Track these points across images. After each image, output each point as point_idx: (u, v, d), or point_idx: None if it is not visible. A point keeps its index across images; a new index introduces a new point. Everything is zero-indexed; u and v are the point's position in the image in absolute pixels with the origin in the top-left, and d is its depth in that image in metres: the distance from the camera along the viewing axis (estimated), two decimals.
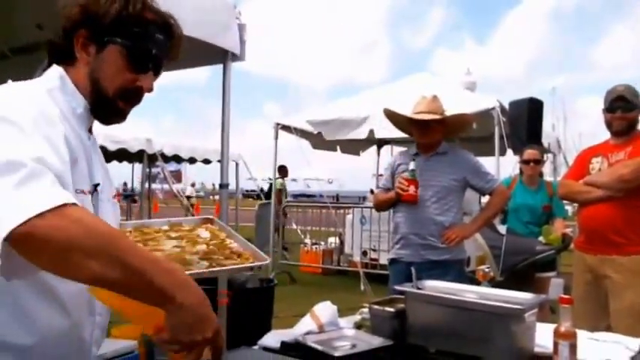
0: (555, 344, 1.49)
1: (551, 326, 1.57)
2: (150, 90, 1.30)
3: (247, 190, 28.55)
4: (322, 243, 10.02)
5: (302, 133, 8.75)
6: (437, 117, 3.34)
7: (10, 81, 4.22)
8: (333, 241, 10.14)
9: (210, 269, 1.32)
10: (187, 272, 1.23)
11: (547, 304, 3.76)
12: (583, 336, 1.60)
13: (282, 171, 11.68)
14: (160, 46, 1.29)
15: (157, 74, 1.32)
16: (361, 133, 7.83)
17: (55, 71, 1.29)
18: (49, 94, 1.22)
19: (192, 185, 23.88)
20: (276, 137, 8.92)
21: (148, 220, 1.62)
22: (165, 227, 1.55)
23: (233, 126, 3.52)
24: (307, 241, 10.20)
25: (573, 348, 1.47)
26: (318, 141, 9.05)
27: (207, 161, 13.92)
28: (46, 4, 1.30)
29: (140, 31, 1.25)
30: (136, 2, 1.25)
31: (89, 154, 1.28)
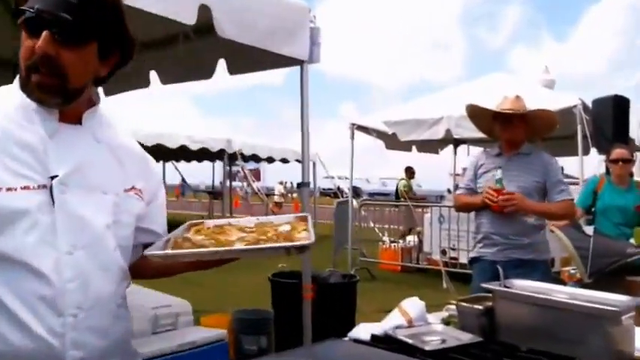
0: None
1: None
2: (41, 49, 1.16)
3: (324, 189, 28.80)
4: (400, 241, 9.97)
5: (377, 134, 8.75)
6: (520, 112, 3.29)
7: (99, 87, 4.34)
8: (411, 239, 10.07)
9: (224, 248, 1.24)
10: (197, 250, 1.23)
11: None
12: None
13: (409, 172, 11.76)
14: (44, 2, 1.16)
15: (59, 33, 1.17)
16: (437, 133, 7.75)
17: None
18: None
19: (281, 183, 24.24)
20: (352, 137, 8.96)
21: (236, 219, 1.55)
22: (251, 225, 1.49)
23: (309, 126, 3.55)
24: (385, 239, 10.17)
25: None
26: (392, 141, 9.02)
27: (285, 160, 14.14)
28: (130, 12, 1.33)
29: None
30: None
31: (41, 146, 1.21)
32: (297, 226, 1.43)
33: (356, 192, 11.53)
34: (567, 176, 8.29)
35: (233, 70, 3.39)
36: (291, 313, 3.71)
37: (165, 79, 3.76)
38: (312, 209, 11.60)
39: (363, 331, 1.80)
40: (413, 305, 1.90)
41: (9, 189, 1.15)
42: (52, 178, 1.20)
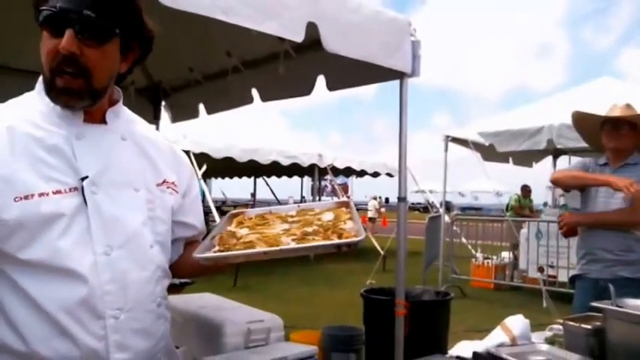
0: None
1: None
2: (67, 50, 1.16)
3: (412, 203, 28.45)
4: (494, 257, 9.67)
5: (474, 145, 8.57)
6: (631, 117, 3.13)
7: (201, 105, 4.60)
8: (506, 255, 9.74)
9: (276, 248, 1.22)
10: (248, 251, 1.21)
11: None
12: None
13: (524, 190, 11.58)
14: (65, 2, 1.16)
15: (82, 31, 1.17)
16: (538, 143, 7.46)
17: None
18: (15, 104, 1.26)
19: (375, 198, 24.15)
20: (446, 149, 8.83)
21: (277, 207, 1.57)
22: (293, 212, 1.49)
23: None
24: (478, 255, 9.90)
25: None
26: (489, 152, 8.80)
27: (376, 174, 14.11)
28: (234, 32, 1.41)
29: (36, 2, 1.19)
30: None
31: (69, 149, 1.23)
32: (340, 215, 1.41)
33: (447, 206, 11.32)
34: None
35: (332, 85, 3.44)
36: (383, 330, 3.67)
37: (266, 96, 3.88)
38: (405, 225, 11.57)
39: (465, 348, 1.77)
40: (517, 323, 1.86)
41: (41, 194, 1.16)
42: (83, 179, 1.21)
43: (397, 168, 3.45)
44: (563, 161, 9.96)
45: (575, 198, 3.50)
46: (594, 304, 1.82)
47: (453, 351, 1.78)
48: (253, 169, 11.65)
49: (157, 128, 5.07)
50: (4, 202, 1.14)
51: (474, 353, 1.69)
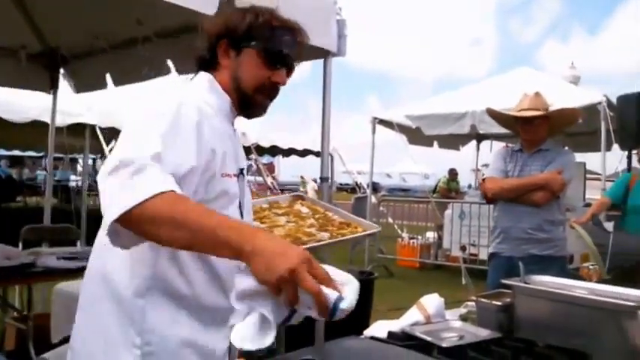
0: None
1: None
2: (284, 83, 1.50)
3: (341, 184, 28.70)
4: (419, 237, 9.97)
5: (400, 128, 8.75)
6: (540, 113, 3.29)
7: (108, 75, 4.49)
8: (430, 235, 10.06)
9: (335, 239, 1.45)
10: (314, 243, 1.41)
11: None
12: None
13: (451, 173, 11.87)
14: (287, 46, 1.49)
15: (289, 70, 1.52)
16: (462, 128, 7.75)
17: (204, 77, 1.51)
18: (197, 97, 1.43)
19: (315, 181, 24.04)
20: (374, 131, 8.97)
21: (252, 200, 1.78)
22: (266, 205, 1.71)
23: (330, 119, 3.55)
24: (404, 235, 10.17)
25: None
26: (415, 136, 9.02)
27: (305, 153, 14.07)
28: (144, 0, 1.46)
29: (269, 34, 1.46)
30: (263, 13, 1.49)
31: (235, 143, 1.52)
32: (316, 208, 1.64)
33: (375, 187, 11.52)
34: (589, 172, 8.25)
35: None
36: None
37: (183, 69, 3.77)
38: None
39: (380, 328, 1.82)
40: (431, 302, 1.93)
41: (228, 175, 1.43)
42: (241, 170, 1.51)
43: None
44: (486, 145, 10.35)
45: None
46: (503, 281, 1.93)
47: (369, 331, 1.83)
48: None
49: (55, 98, 4.81)
50: (214, 175, 1.37)
51: (389, 332, 1.74)
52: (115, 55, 3.88)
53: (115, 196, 1.16)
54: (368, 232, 1.51)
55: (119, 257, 1.31)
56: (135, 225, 1.15)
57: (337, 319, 1.03)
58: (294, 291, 1.02)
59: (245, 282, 1.08)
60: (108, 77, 4.11)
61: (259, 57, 1.47)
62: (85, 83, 4.41)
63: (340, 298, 1.02)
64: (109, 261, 1.36)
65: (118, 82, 4.15)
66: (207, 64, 1.53)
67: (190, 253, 1.33)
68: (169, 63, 3.73)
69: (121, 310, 1.32)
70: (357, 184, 14.07)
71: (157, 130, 1.25)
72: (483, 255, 7.87)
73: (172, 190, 1.16)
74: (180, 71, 3.76)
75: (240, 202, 1.48)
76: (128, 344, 1.31)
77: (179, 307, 1.36)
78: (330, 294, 1.01)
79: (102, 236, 1.25)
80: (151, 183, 1.15)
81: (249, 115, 1.57)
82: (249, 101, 1.50)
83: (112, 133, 8.44)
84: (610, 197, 4.61)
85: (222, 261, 1.26)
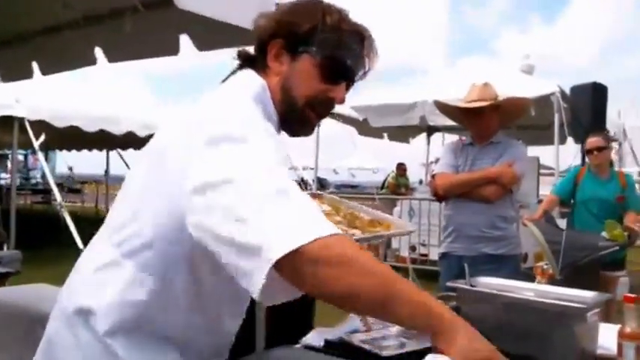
0: (619, 346, 1.48)
1: (616, 327, 1.56)
2: (342, 101, 1.36)
3: None
4: None
5: (347, 120, 8.76)
6: (488, 103, 3.33)
7: (34, 63, 4.37)
8: None
9: (370, 234, 1.46)
10: (355, 237, 1.43)
11: (612, 303, 3.70)
12: None
13: (400, 168, 11.95)
14: (353, 57, 1.33)
15: (349, 85, 1.37)
16: (411, 120, 7.81)
17: (257, 80, 1.34)
18: (255, 104, 1.28)
19: None
20: (319, 124, 8.95)
21: None
22: None
23: None
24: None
25: (639, 350, 1.46)
26: (364, 128, 9.05)
27: None
28: None
29: (335, 41, 1.30)
30: (332, 13, 1.31)
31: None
32: (339, 206, 1.67)
33: (321, 184, 11.55)
34: (543, 167, 8.48)
35: (200, 46, 3.35)
36: (244, 318, 3.68)
37: (113, 56, 3.68)
38: None
39: (318, 336, 1.78)
40: None
41: None
42: None
43: None
44: (438, 138, 10.51)
45: None
46: (449, 283, 1.93)
47: (305, 340, 1.79)
48: (105, 140, 10.94)
49: None
50: None
51: (326, 341, 1.71)
52: (40, 41, 3.76)
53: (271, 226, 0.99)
54: (403, 230, 1.50)
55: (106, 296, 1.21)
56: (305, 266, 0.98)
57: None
58: None
59: None
60: (34, 65, 3.98)
61: (319, 67, 1.31)
62: (10, 72, 4.28)
63: None
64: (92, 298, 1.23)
65: (45, 71, 4.03)
66: (252, 63, 1.38)
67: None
68: (98, 51, 3.64)
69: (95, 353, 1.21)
70: (302, 180, 14.06)
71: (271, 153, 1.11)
72: (434, 255, 7.99)
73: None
74: (110, 59, 3.66)
75: None
76: None
77: (165, 344, 1.25)
78: None
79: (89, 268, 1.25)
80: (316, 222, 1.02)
81: (294, 133, 1.40)
82: (298, 116, 1.35)
83: (41, 127, 8.19)
84: (558, 194, 4.74)
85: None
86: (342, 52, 1.31)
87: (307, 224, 0.99)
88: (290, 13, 1.34)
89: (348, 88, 1.37)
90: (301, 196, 1.05)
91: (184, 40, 3.38)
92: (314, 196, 1.67)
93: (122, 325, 1.19)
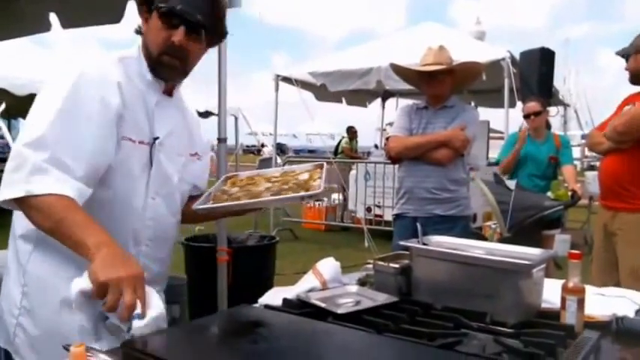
0: (563, 299, 1.50)
1: (559, 282, 1.59)
2: (180, 42, 1.55)
3: (247, 146, 28.47)
4: (325, 199, 10.07)
5: (305, 85, 8.69)
6: (443, 67, 3.32)
7: None
8: (336, 197, 10.18)
9: (255, 199, 1.58)
10: (228, 203, 1.60)
11: (552, 260, 3.80)
12: (590, 291, 1.61)
13: (350, 132, 11.93)
14: (184, 3, 1.52)
15: (191, 30, 1.55)
16: (368, 84, 7.80)
17: (137, 43, 1.64)
18: (121, 63, 1.59)
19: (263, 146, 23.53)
20: (277, 89, 8.86)
21: (264, 170, 1.90)
22: (277, 174, 1.81)
23: (236, 78, 3.50)
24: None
25: (581, 303, 1.49)
26: (322, 93, 9.00)
27: (206, 115, 13.75)
28: None
29: None
30: None
31: (151, 111, 1.62)
32: (314, 174, 1.73)
33: (281, 149, 11.48)
34: (493, 130, 8.59)
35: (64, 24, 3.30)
36: (207, 278, 3.66)
37: (67, 22, 3.55)
38: (233, 167, 11.54)
39: (275, 295, 1.77)
40: (327, 266, 1.90)
41: (132, 140, 1.56)
42: (155, 139, 1.62)
43: (229, 108, 3.36)
44: (392, 103, 10.52)
45: None
46: (401, 242, 1.93)
47: (264, 299, 1.78)
48: None
49: None
50: (116, 140, 1.52)
51: (284, 300, 1.71)
52: None
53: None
54: (301, 194, 1.59)
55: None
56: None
57: (134, 333, 1.23)
58: (116, 297, 1.23)
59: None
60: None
61: (159, 18, 1.54)
62: None
63: (139, 316, 1.25)
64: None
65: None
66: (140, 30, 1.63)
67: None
68: (52, 16, 3.52)
69: (15, 248, 1.60)
70: (262, 145, 13.98)
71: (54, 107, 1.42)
72: (388, 216, 8.07)
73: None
74: (64, 24, 3.53)
75: (150, 172, 1.61)
76: (17, 280, 1.58)
77: (67, 263, 1.49)
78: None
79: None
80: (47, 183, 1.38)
81: (164, 78, 1.64)
82: (159, 64, 1.59)
83: (1, 96, 7.90)
84: (502, 159, 4.83)
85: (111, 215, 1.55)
86: (174, 1, 1.52)
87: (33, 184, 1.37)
88: None
89: (191, 31, 1.55)
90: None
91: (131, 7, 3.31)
92: (319, 166, 1.81)
93: (34, 233, 1.51)
